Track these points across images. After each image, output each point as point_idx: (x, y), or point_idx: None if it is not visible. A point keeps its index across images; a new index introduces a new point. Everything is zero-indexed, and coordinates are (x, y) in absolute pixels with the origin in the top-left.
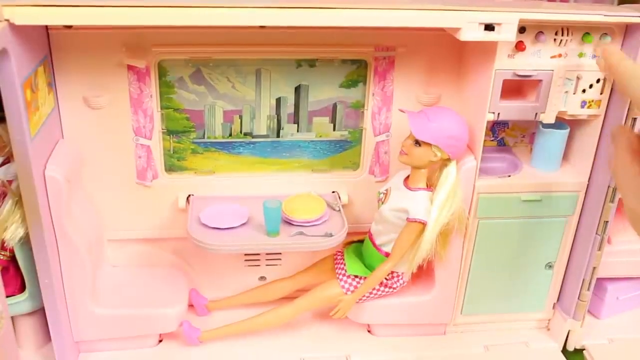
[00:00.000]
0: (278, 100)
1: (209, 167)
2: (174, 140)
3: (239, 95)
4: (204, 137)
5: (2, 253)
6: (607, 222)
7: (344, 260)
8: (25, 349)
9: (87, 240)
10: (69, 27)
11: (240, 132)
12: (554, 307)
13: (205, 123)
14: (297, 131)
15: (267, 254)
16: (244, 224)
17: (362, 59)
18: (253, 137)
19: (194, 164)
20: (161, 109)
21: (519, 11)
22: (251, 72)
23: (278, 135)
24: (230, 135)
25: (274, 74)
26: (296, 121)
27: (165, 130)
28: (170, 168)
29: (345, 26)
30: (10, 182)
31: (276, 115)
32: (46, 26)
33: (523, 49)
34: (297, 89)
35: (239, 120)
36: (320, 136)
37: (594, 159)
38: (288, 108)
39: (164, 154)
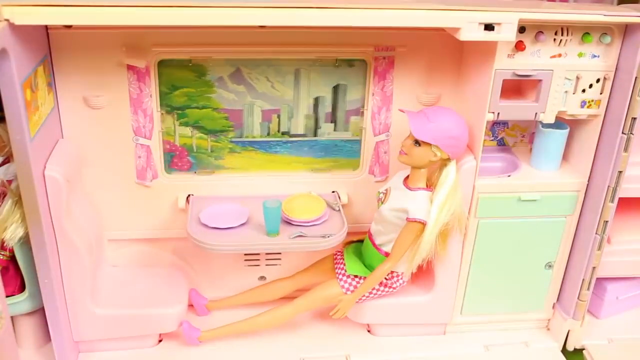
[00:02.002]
0: (316, 100)
1: (246, 166)
2: (212, 139)
3: (277, 95)
4: (241, 137)
5: (2, 253)
6: (606, 221)
7: (343, 260)
8: (25, 349)
9: (87, 240)
10: (69, 27)
11: (278, 131)
12: (553, 307)
13: (244, 122)
14: (334, 130)
15: (266, 253)
16: (243, 224)
17: (361, 58)
18: (291, 136)
19: (231, 163)
20: (161, 109)
21: (519, 11)
22: (290, 72)
23: (315, 135)
24: (268, 134)
25: (313, 74)
26: (333, 120)
27: (202, 129)
28: (206, 167)
29: (345, 26)
30: (10, 182)
31: (314, 115)
32: (46, 26)
33: (523, 49)
34: (335, 89)
35: (277, 119)
36: (357, 135)
37: (594, 159)
38: (326, 107)
39: (200, 152)
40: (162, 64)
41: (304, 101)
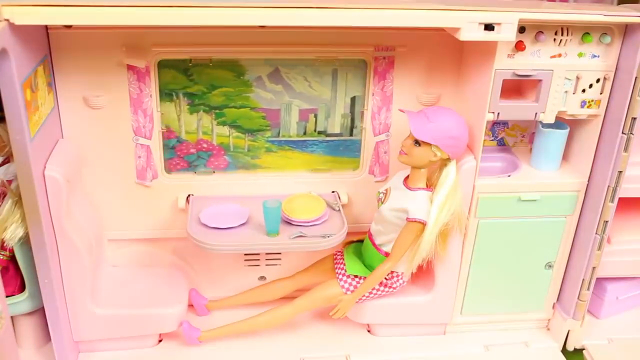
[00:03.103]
0: (353, 99)
1: (282, 165)
2: (249, 138)
3: (315, 94)
4: (278, 136)
5: (2, 253)
6: (606, 221)
7: (343, 260)
8: (25, 348)
9: (87, 240)
10: (69, 27)
11: (315, 130)
12: (553, 307)
13: (281, 122)
14: None
15: (266, 253)
16: (243, 224)
17: (361, 58)
18: (327, 135)
19: (267, 162)
20: (160, 109)
21: (519, 11)
22: (328, 72)
23: (351, 134)
24: (305, 133)
25: (350, 74)
26: None
27: (239, 128)
28: (243, 166)
29: (345, 26)
30: (10, 182)
31: (350, 114)
32: (46, 26)
33: (523, 49)
34: None
35: (314, 118)
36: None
37: (594, 158)
38: (362, 107)
39: (237, 151)
40: (199, 64)
41: (341, 100)
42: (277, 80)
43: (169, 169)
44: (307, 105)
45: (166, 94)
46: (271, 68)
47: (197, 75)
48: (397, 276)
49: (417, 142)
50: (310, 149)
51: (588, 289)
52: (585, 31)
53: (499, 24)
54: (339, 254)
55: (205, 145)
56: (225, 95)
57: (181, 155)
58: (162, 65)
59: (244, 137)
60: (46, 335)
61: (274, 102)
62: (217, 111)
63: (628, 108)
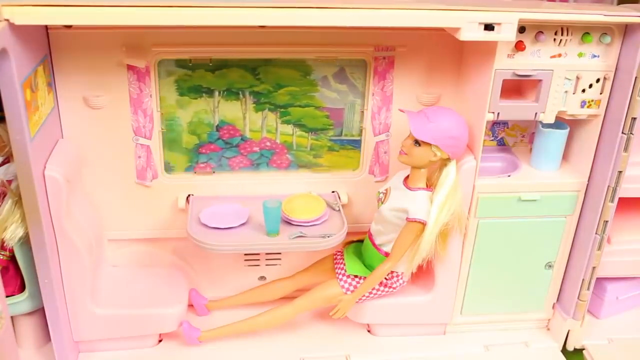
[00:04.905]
0: None
1: (342, 165)
2: (312, 137)
3: None
4: (341, 135)
5: (2, 253)
6: (606, 221)
7: (343, 260)
8: (25, 349)
9: (87, 240)
10: (69, 27)
11: None
12: (553, 307)
13: (344, 121)
14: None
15: (266, 253)
16: (243, 224)
17: (361, 58)
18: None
19: (330, 161)
20: (161, 108)
21: (519, 11)
22: None
23: None
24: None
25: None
26: None
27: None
28: (305, 165)
29: (345, 26)
30: (10, 182)
31: None
32: (46, 26)
33: (523, 49)
34: None
35: None
36: None
37: (594, 158)
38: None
39: (300, 150)
40: (269, 63)
41: None
42: (342, 80)
43: (231, 167)
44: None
45: (232, 93)
46: (336, 68)
47: (264, 74)
48: (397, 276)
49: (417, 142)
50: None
51: (588, 289)
52: (585, 31)
53: (499, 24)
54: (339, 254)
55: (268, 144)
56: (291, 94)
57: (244, 153)
58: (230, 64)
59: (307, 135)
60: (46, 335)
61: (338, 101)
62: (282, 110)
63: (628, 108)
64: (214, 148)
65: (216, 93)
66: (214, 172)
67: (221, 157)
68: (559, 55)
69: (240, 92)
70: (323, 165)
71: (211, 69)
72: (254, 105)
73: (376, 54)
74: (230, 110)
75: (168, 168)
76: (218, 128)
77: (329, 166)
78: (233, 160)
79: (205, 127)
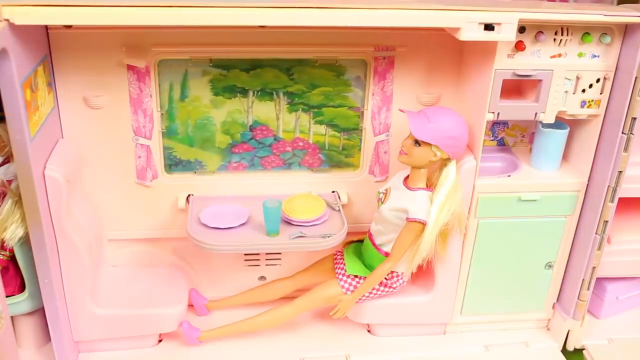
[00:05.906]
0: None
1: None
2: (344, 137)
3: None
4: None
5: (2, 253)
6: (606, 221)
7: (343, 260)
8: (25, 349)
9: (87, 240)
10: (69, 27)
11: None
12: (553, 307)
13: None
14: None
15: (266, 253)
16: (243, 224)
17: (361, 58)
18: None
19: (360, 161)
20: (161, 108)
21: (519, 11)
22: None
23: None
24: None
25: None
26: None
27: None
28: (336, 164)
29: (345, 26)
30: (10, 182)
31: None
32: (46, 26)
33: (523, 49)
34: None
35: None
36: None
37: (594, 158)
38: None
39: (332, 150)
40: (302, 62)
41: None
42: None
43: (263, 166)
44: None
45: (266, 93)
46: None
47: (298, 74)
48: (397, 276)
49: (417, 142)
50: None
51: (588, 289)
52: (585, 31)
53: (499, 24)
54: (339, 254)
55: (301, 144)
56: (325, 94)
57: (277, 153)
58: (264, 64)
59: (339, 135)
60: (46, 335)
61: None
62: (316, 110)
63: (628, 108)
64: (247, 148)
65: (250, 93)
66: (213, 172)
67: (254, 156)
68: (559, 55)
69: (274, 93)
70: (354, 165)
71: (246, 68)
72: (288, 105)
73: (376, 54)
74: (263, 111)
75: (201, 167)
76: (251, 128)
77: (358, 166)
78: (265, 160)
79: (239, 127)
